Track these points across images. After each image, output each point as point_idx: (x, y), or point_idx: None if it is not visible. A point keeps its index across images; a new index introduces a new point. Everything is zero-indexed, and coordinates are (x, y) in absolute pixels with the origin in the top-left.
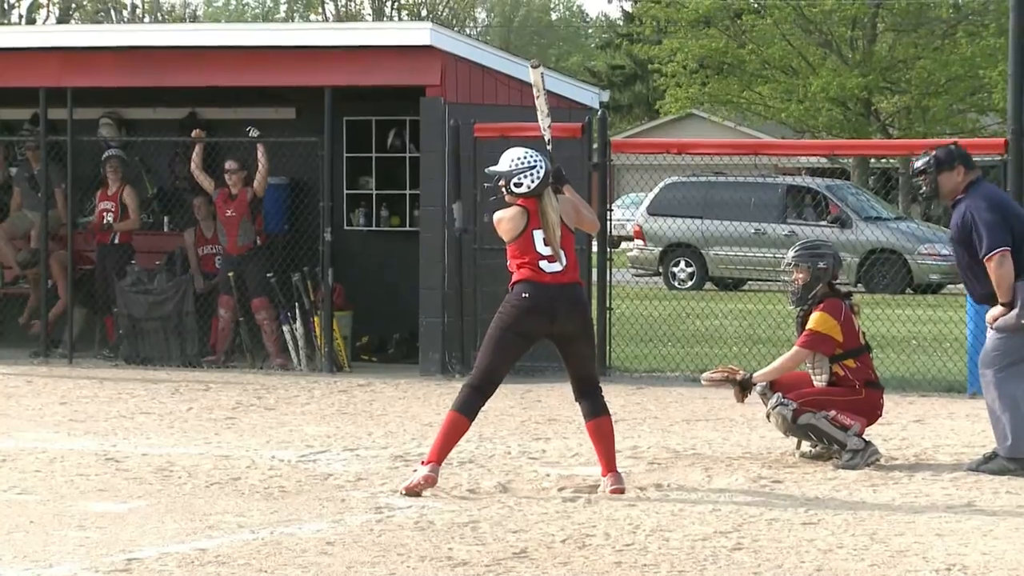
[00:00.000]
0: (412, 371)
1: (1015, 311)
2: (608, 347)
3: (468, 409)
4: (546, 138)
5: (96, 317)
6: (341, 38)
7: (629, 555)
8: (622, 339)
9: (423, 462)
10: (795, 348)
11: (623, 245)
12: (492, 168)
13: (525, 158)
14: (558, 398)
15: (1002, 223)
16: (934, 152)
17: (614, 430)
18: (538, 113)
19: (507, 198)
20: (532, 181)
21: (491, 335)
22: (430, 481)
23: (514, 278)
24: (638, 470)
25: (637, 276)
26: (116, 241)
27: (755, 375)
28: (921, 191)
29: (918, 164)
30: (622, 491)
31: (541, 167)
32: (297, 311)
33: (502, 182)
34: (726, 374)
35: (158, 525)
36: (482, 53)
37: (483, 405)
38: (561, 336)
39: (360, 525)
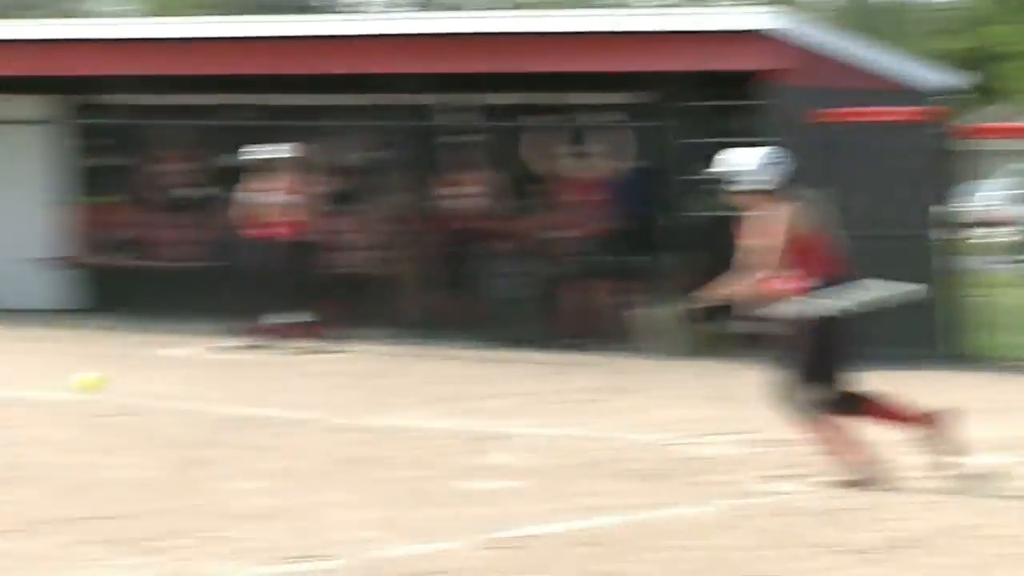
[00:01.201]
0: None
1: None
2: (962, 334)
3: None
4: None
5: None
6: (683, 23)
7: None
8: (978, 327)
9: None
10: None
11: (980, 231)
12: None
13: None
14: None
15: None
16: None
17: None
18: None
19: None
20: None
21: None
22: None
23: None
24: None
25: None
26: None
27: None
28: None
29: None
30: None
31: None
32: (653, 296)
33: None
34: None
35: (535, 504)
36: (825, 37)
37: None
38: None
39: (746, 507)
